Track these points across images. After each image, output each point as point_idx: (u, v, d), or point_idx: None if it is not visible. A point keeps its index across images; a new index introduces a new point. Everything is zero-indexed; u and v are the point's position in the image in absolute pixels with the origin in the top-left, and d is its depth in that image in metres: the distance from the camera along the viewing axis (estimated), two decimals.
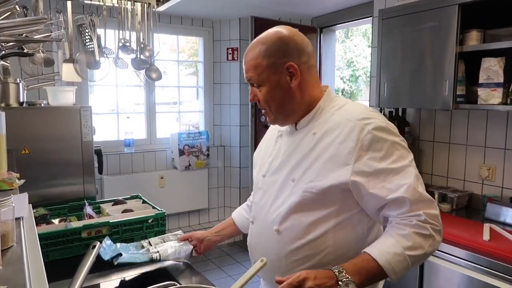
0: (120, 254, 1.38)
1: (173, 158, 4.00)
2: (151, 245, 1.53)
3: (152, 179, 3.87)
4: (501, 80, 2.02)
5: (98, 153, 2.26)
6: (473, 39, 2.12)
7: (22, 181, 1.18)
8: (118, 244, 1.48)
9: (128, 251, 1.45)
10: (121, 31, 2.63)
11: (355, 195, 1.08)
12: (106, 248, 1.42)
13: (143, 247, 1.51)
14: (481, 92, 2.09)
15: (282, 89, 1.14)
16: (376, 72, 2.59)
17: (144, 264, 1.43)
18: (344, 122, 1.10)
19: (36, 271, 0.59)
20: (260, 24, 3.71)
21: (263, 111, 1.23)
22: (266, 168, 1.26)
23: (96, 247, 1.28)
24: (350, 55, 10.12)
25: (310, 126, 1.17)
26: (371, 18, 3.00)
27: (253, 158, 1.45)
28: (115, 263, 1.36)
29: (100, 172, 2.35)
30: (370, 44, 3.35)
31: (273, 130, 1.36)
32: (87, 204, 1.95)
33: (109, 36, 2.65)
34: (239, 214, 1.52)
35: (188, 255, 1.50)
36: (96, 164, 2.25)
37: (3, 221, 0.72)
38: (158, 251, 1.46)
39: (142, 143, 3.94)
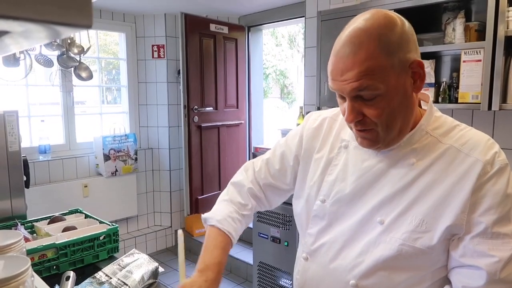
0: None
1: (98, 164, 3.67)
2: (110, 277, 1.33)
3: (74, 188, 3.51)
4: (433, 80, 2.21)
5: (24, 164, 1.96)
6: None
7: None
8: None
9: None
10: None
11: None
12: None
13: (101, 282, 1.30)
14: None
15: (405, 97, 0.83)
16: (316, 72, 2.66)
17: None
18: (459, 155, 0.83)
19: None
20: (191, 21, 3.59)
21: (352, 127, 0.88)
22: (326, 191, 0.97)
23: (71, 277, 1.09)
24: None
25: (403, 151, 0.88)
26: (304, 18, 3.07)
27: (290, 145, 1.09)
28: None
29: (27, 185, 2.05)
30: (302, 44, 3.40)
31: (329, 127, 1.04)
32: (19, 224, 1.69)
33: None
34: (235, 230, 1.05)
35: (156, 275, 1.38)
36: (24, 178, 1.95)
37: None
38: (124, 282, 1.30)
39: (60, 149, 3.55)
